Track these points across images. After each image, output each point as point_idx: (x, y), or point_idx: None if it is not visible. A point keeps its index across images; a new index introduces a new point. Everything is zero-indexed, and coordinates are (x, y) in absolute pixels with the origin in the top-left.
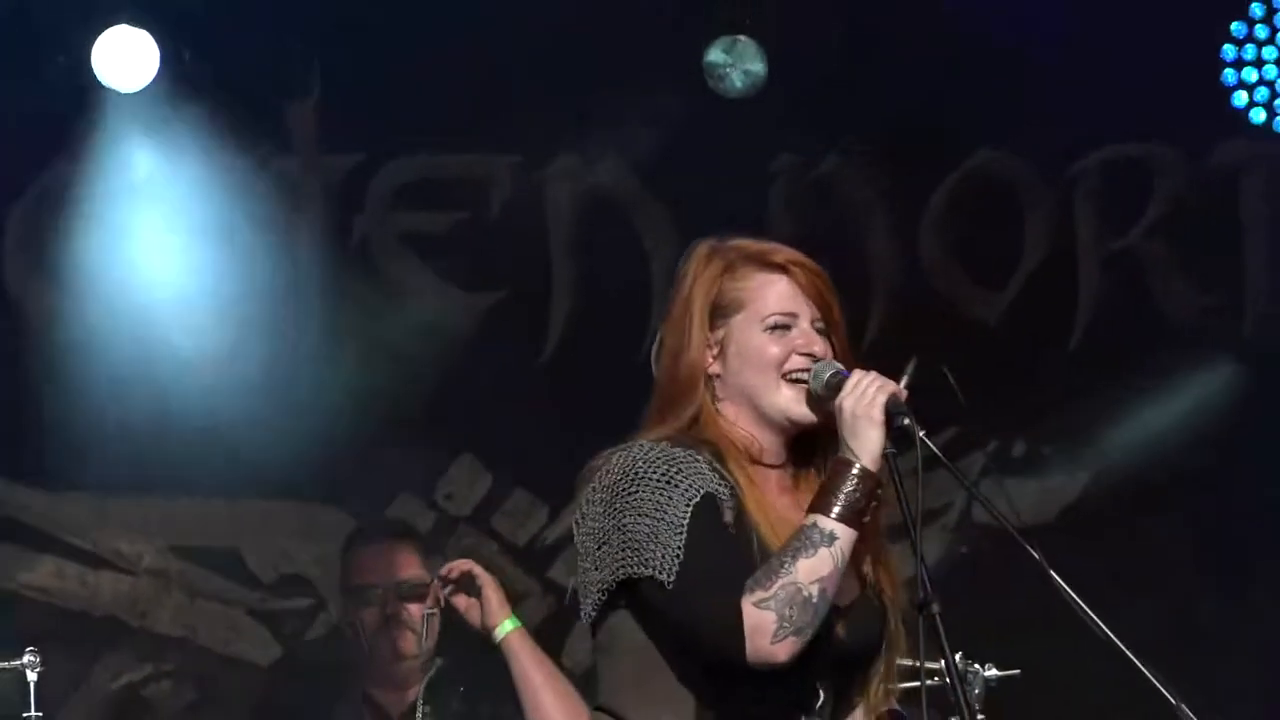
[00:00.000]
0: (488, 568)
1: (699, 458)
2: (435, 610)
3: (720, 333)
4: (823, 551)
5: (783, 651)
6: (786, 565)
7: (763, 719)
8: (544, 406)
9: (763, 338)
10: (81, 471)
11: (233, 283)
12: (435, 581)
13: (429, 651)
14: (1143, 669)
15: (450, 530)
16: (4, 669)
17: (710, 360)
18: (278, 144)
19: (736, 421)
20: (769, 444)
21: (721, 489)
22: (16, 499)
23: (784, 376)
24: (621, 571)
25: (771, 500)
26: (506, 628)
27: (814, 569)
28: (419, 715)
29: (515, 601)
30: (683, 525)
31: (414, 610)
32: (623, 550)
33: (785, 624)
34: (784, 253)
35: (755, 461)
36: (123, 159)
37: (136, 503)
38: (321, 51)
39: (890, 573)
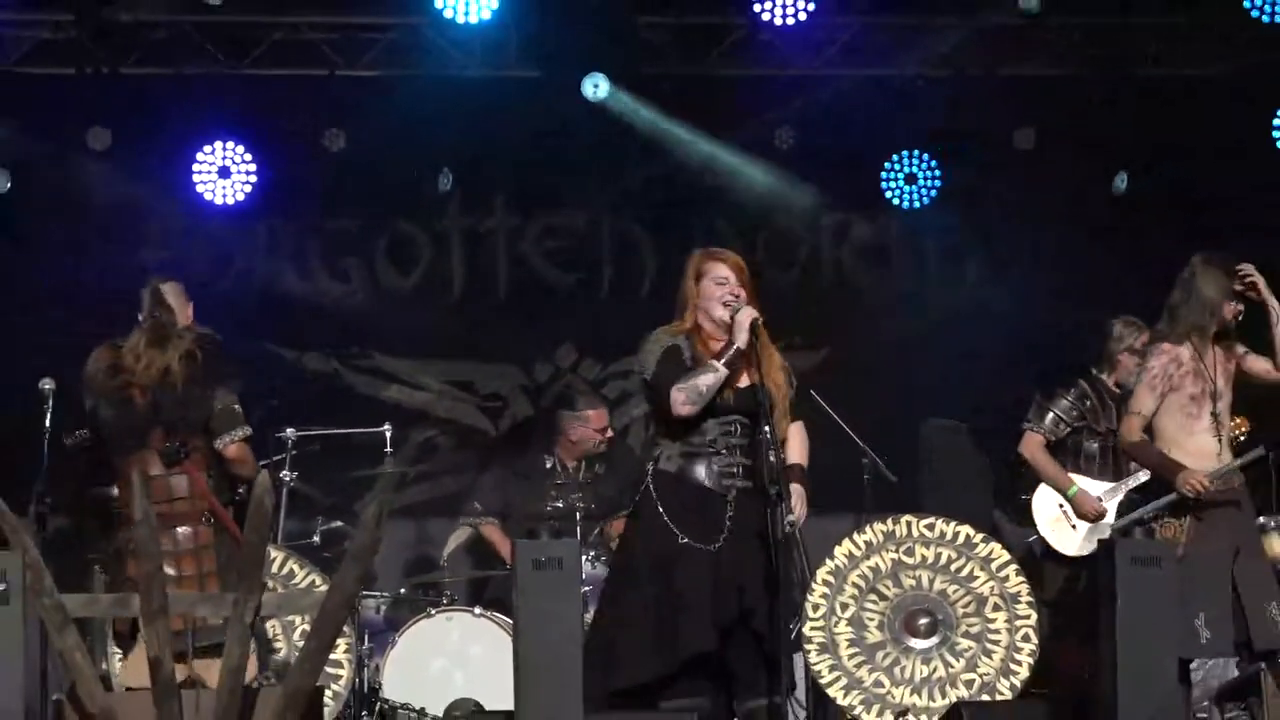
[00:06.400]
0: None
1: (678, 334)
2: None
3: (701, 285)
4: (709, 374)
5: (685, 410)
6: (693, 376)
7: (709, 439)
8: (598, 320)
9: (716, 287)
10: (405, 348)
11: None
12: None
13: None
14: (858, 441)
15: (559, 376)
16: (373, 432)
17: (696, 296)
18: (489, 210)
19: (704, 322)
20: (713, 331)
21: (684, 346)
22: (374, 361)
23: (723, 304)
24: (643, 376)
25: (706, 353)
26: None
27: (703, 378)
28: (580, 474)
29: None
30: (658, 357)
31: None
32: (642, 367)
33: (687, 399)
34: (728, 254)
35: (708, 336)
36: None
37: (430, 361)
38: (509, 174)
39: (772, 375)
